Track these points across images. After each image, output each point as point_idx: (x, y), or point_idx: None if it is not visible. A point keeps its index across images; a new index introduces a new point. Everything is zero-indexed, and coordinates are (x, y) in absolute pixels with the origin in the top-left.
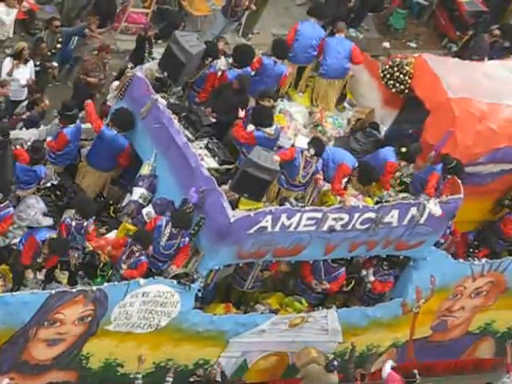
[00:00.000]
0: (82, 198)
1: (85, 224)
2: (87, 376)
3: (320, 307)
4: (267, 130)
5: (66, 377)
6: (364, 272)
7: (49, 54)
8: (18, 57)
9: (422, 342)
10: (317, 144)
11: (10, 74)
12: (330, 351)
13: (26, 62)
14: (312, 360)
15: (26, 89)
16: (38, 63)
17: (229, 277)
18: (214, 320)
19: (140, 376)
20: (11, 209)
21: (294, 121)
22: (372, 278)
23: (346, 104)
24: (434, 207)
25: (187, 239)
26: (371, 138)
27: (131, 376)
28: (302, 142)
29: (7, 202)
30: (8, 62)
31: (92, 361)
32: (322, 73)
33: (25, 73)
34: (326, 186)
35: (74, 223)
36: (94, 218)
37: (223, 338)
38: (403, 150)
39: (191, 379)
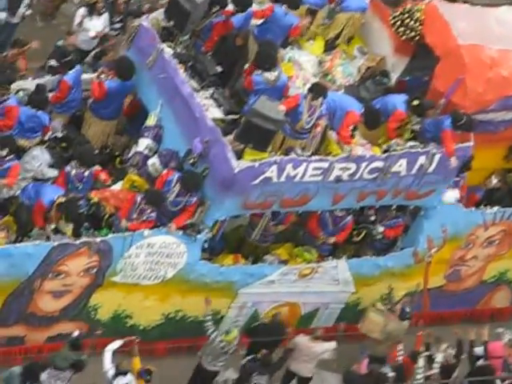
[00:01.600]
0: (83, 148)
1: (86, 173)
2: (97, 327)
3: (330, 257)
4: (267, 74)
5: (76, 328)
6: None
7: None
8: (91, 8)
9: (437, 291)
10: (319, 88)
11: (80, 24)
12: (343, 301)
13: (99, 13)
14: (384, 324)
15: (95, 40)
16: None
17: (240, 229)
18: (222, 271)
19: (209, 318)
20: (16, 160)
21: (302, 70)
22: (381, 229)
23: (356, 52)
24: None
25: (194, 199)
26: (381, 87)
27: (141, 328)
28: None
29: (12, 155)
30: (82, 12)
31: (100, 312)
32: (343, 6)
33: (97, 24)
34: (334, 135)
35: (73, 172)
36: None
37: (232, 289)
38: (415, 102)
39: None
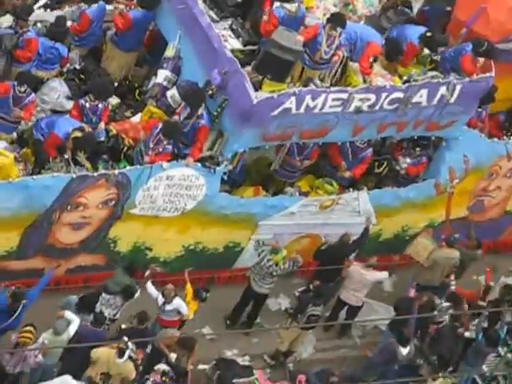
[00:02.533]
0: (98, 80)
1: (100, 106)
2: (116, 259)
3: (351, 189)
4: (287, 6)
5: (95, 260)
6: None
7: None
8: None
9: (460, 222)
10: (338, 18)
11: None
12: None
13: None
14: (432, 249)
15: None
16: None
17: (262, 160)
18: (242, 203)
19: None
20: (33, 94)
21: (323, 0)
22: (405, 165)
23: None
24: None
25: (203, 121)
26: (403, 17)
27: (161, 259)
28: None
29: (28, 89)
30: None
31: (120, 244)
32: None
33: None
34: (354, 66)
35: (88, 105)
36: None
37: (252, 221)
38: (428, 34)
39: None
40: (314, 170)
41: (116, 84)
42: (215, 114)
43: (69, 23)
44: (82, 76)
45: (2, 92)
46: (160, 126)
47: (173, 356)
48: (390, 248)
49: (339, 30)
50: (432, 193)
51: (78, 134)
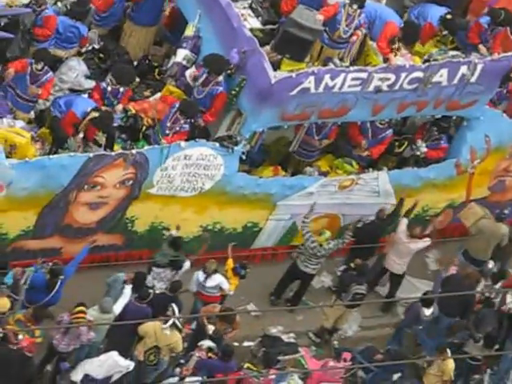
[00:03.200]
0: (121, 65)
1: (121, 90)
2: (133, 239)
3: (371, 169)
4: None
5: (112, 240)
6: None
7: None
8: None
9: (481, 202)
10: None
11: None
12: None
13: None
14: (481, 217)
15: None
16: None
17: (282, 140)
18: (260, 183)
19: (307, 218)
20: (51, 73)
21: None
22: (424, 149)
23: None
24: None
25: (221, 88)
26: None
27: (185, 240)
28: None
29: (46, 67)
30: None
31: (137, 224)
32: None
33: None
34: (374, 46)
35: (109, 88)
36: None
37: (270, 201)
38: (448, 16)
39: None
40: (333, 149)
41: (135, 63)
42: (233, 93)
43: None
44: (101, 55)
45: (20, 69)
46: (177, 104)
47: (210, 328)
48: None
49: (358, 10)
50: (453, 173)
51: (95, 114)
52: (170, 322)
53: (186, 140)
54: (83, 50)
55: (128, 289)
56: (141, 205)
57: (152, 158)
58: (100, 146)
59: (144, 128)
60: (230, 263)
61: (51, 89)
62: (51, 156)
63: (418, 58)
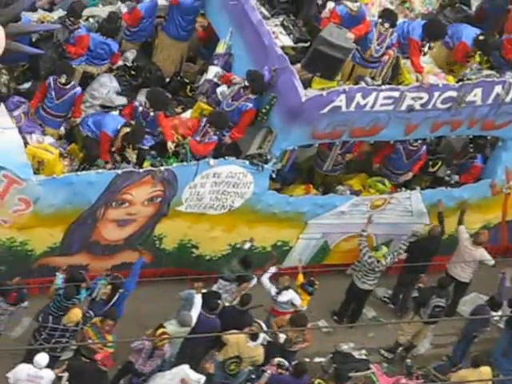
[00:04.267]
0: (157, 90)
1: (151, 113)
2: (162, 257)
3: (403, 188)
4: (349, 4)
5: (140, 256)
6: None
7: None
8: None
9: None
10: (389, 15)
11: None
12: (416, 234)
13: None
14: None
15: None
16: None
17: (311, 159)
18: (291, 201)
19: (364, 234)
20: (79, 88)
21: None
22: (456, 177)
23: None
24: None
25: (251, 105)
26: (460, 15)
27: (207, 258)
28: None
29: (73, 82)
30: None
31: (166, 242)
32: None
33: None
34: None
35: (140, 109)
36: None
37: (301, 220)
38: (480, 37)
39: None
40: (366, 168)
41: (167, 79)
42: (264, 111)
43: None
44: (132, 72)
45: (43, 90)
46: (206, 118)
47: (282, 337)
48: (445, 249)
49: (390, 29)
50: (487, 193)
51: (127, 129)
52: (261, 339)
53: (214, 155)
54: (115, 66)
55: (198, 298)
56: (169, 222)
57: (180, 176)
58: (128, 162)
59: (174, 145)
60: (300, 279)
61: (81, 105)
62: (79, 173)
63: (452, 77)
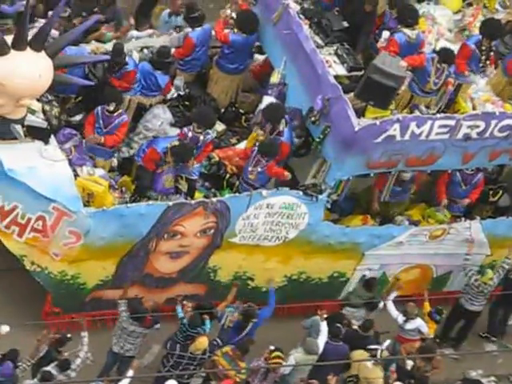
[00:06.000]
0: (202, 107)
1: (201, 138)
2: (217, 289)
3: (463, 218)
4: (408, 32)
5: (195, 290)
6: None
7: None
8: None
9: None
10: (447, 57)
11: None
12: (477, 264)
13: None
14: None
15: None
16: None
17: (370, 189)
18: (347, 232)
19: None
20: (125, 116)
21: (436, 25)
22: None
23: (497, 5)
24: None
25: (282, 138)
26: None
27: (263, 290)
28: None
29: (121, 110)
30: None
31: (220, 274)
32: None
33: None
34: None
35: (190, 134)
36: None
37: (358, 251)
38: None
39: None
40: (427, 198)
41: (222, 110)
42: (318, 140)
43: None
44: (186, 102)
45: (92, 121)
46: (257, 147)
47: (409, 363)
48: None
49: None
50: None
51: (177, 143)
52: (394, 366)
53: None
54: (168, 96)
55: (324, 325)
56: (223, 254)
57: (233, 207)
58: (180, 193)
59: (228, 176)
60: (427, 307)
61: (124, 134)
62: (129, 205)
63: (510, 105)
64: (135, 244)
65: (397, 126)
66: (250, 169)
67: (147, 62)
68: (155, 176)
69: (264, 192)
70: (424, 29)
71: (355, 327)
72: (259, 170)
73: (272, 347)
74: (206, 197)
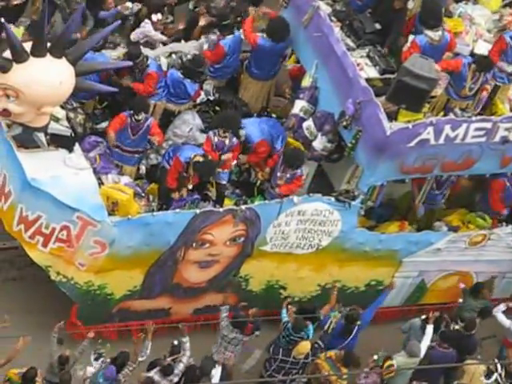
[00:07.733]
0: (228, 113)
1: (227, 142)
2: (248, 299)
3: (504, 223)
4: (431, 34)
5: (225, 299)
6: None
7: None
8: None
9: None
10: (485, 66)
11: None
12: None
13: None
14: None
15: None
16: None
17: (409, 195)
18: (383, 239)
19: None
20: (151, 118)
21: (474, 25)
22: None
23: None
24: None
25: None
26: None
27: (296, 299)
28: (483, 47)
29: (146, 115)
30: None
31: (252, 283)
32: None
33: None
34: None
35: (216, 139)
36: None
37: (395, 258)
38: None
39: None
40: (467, 203)
41: (255, 115)
42: (350, 145)
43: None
44: (216, 107)
45: (119, 126)
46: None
47: None
48: None
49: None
50: None
51: (200, 158)
52: (493, 378)
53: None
54: (198, 101)
55: (430, 328)
56: (255, 262)
57: (263, 214)
58: (209, 201)
59: (259, 182)
60: None
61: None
62: (155, 213)
63: None
64: (163, 253)
65: (430, 129)
66: (278, 174)
67: (177, 68)
68: (172, 202)
69: (295, 199)
70: (461, 29)
71: (457, 327)
72: (288, 176)
73: (376, 356)
74: (235, 204)
